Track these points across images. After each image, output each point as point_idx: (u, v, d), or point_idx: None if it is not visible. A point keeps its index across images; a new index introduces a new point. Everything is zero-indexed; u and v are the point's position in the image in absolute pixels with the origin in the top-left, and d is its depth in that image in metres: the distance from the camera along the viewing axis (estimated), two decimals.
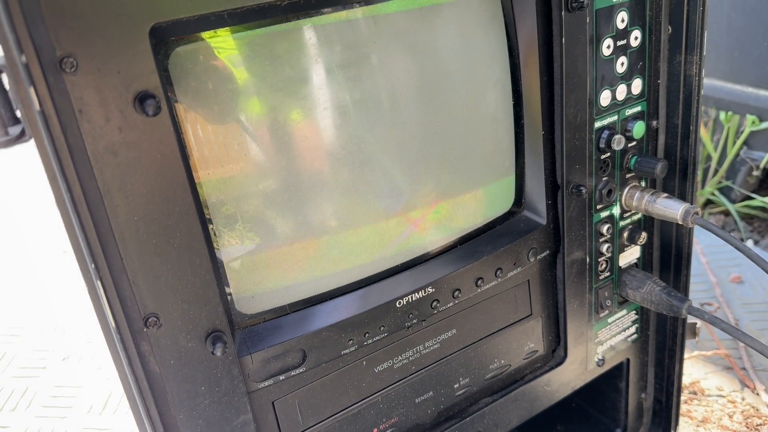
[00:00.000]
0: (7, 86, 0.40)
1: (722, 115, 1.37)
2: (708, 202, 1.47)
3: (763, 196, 1.42)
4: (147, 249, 0.44)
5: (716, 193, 1.44)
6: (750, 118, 1.33)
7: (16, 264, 1.54)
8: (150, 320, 0.46)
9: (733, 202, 1.43)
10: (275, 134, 0.51)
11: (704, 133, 1.42)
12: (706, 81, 1.43)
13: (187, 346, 0.48)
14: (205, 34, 0.45)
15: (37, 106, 0.37)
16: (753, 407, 1.03)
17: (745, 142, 1.37)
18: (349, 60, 0.52)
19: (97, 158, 0.41)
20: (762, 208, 1.41)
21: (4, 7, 0.35)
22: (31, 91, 0.36)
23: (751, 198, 1.41)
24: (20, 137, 0.40)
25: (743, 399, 1.05)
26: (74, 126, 0.39)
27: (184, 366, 0.48)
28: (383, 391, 0.63)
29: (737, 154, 1.38)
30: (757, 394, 1.05)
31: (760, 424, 1.00)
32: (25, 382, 1.17)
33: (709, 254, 1.34)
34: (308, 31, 0.49)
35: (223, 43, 0.46)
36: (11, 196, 1.90)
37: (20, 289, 1.44)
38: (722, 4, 1.31)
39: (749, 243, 1.41)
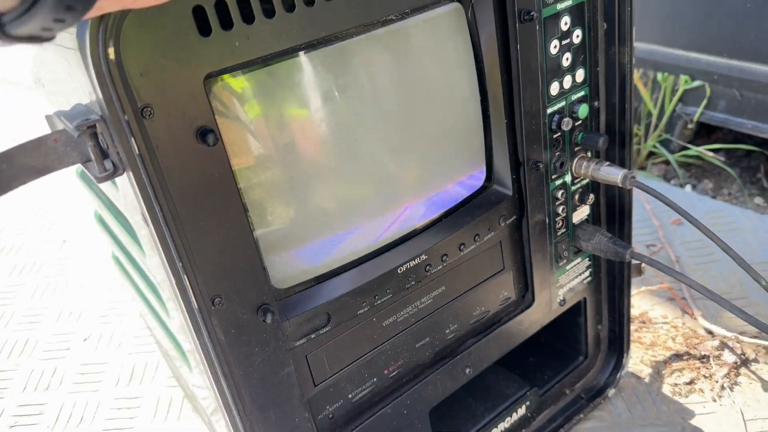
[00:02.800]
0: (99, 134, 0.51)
1: (659, 76, 1.53)
2: (651, 154, 1.64)
3: (698, 146, 1.59)
4: (212, 247, 0.57)
5: (657, 145, 1.61)
6: (683, 77, 1.49)
7: (23, 255, 1.63)
8: (216, 300, 0.59)
9: (672, 152, 1.60)
10: (293, 140, 0.63)
11: (644, 93, 1.57)
12: (645, 45, 1.58)
13: (243, 318, 0.61)
14: (237, 73, 0.57)
15: (136, 151, 0.48)
16: (692, 330, 1.22)
17: (680, 99, 1.53)
18: (346, 78, 0.64)
19: (173, 181, 0.53)
20: (697, 157, 1.59)
21: (108, 79, 0.46)
22: (132, 140, 0.48)
23: (687, 148, 1.59)
24: (115, 172, 0.51)
25: (684, 324, 1.24)
26: (155, 159, 0.51)
27: (241, 333, 0.62)
28: (390, 340, 0.78)
29: (674, 110, 1.55)
30: (695, 319, 1.24)
31: (698, 343, 1.19)
32: (52, 363, 1.28)
33: (652, 201, 1.52)
34: (312, 59, 0.61)
35: (250, 78, 0.58)
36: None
37: (31, 278, 1.54)
38: None
39: (687, 187, 1.60)
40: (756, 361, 1.13)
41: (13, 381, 1.25)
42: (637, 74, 1.57)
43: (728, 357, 1.14)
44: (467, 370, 0.87)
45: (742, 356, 1.14)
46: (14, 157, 0.51)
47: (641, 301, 1.29)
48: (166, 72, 0.50)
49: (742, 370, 1.12)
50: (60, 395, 1.21)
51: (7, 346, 1.34)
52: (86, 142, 0.50)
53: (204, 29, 0.52)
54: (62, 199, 1.86)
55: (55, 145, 0.51)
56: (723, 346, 1.16)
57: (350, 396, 0.77)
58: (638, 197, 1.51)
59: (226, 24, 0.53)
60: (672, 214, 1.48)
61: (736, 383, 1.10)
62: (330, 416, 0.75)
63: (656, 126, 1.59)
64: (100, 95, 0.48)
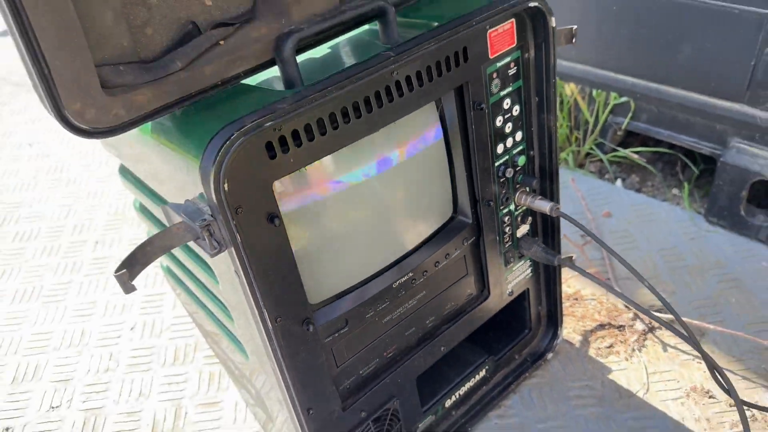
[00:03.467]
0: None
1: (594, 92, 1.84)
2: (588, 154, 1.97)
3: (626, 148, 1.93)
4: (276, 287, 0.87)
5: (593, 147, 1.94)
6: (613, 94, 1.81)
7: (62, 256, 1.90)
8: (278, 319, 0.89)
9: (605, 153, 1.93)
10: (329, 221, 0.93)
11: (583, 105, 1.89)
12: (583, 67, 1.88)
13: (293, 329, 0.92)
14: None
15: (239, 240, 0.78)
16: (613, 305, 1.57)
17: (611, 111, 1.85)
18: (365, 175, 0.94)
19: (254, 250, 0.83)
20: (623, 157, 1.92)
21: (223, 197, 0.75)
22: (233, 228, 0.78)
23: (617, 150, 1.92)
24: (221, 249, 0.81)
25: (607, 299, 1.59)
26: (244, 237, 0.81)
27: (293, 338, 0.93)
28: (387, 332, 1.09)
29: (606, 120, 1.87)
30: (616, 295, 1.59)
31: (617, 315, 1.55)
32: (108, 349, 1.58)
33: (587, 197, 1.85)
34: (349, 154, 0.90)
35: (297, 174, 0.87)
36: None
37: (74, 277, 1.82)
38: (592, 10, 1.75)
39: (618, 182, 1.93)
40: (659, 329, 1.49)
41: (78, 365, 1.54)
42: (576, 90, 1.88)
43: (639, 326, 1.50)
44: (442, 348, 1.20)
45: (649, 325, 1.50)
46: (154, 241, 0.80)
47: (576, 282, 1.63)
48: (250, 185, 0.80)
49: (649, 336, 1.48)
50: (119, 375, 1.51)
51: (66, 336, 1.63)
52: (202, 232, 0.79)
53: (272, 155, 0.81)
54: (89, 203, 2.12)
55: (178, 232, 0.81)
56: (635, 317, 1.52)
57: (361, 372, 1.09)
58: (576, 195, 1.85)
59: (285, 149, 0.82)
60: (603, 209, 1.82)
61: (643, 346, 1.46)
62: (348, 387, 1.08)
63: (592, 132, 1.91)
64: (215, 203, 0.77)
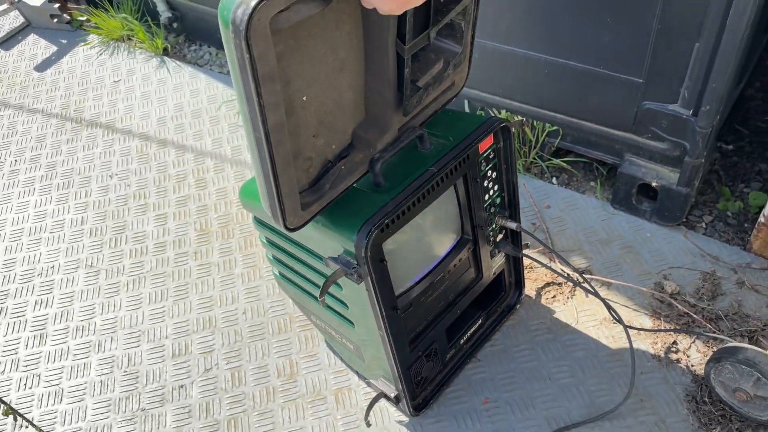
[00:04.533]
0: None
1: (535, 122, 2.68)
2: (532, 162, 2.82)
3: (557, 158, 2.78)
4: (383, 293, 1.69)
5: (536, 158, 2.79)
6: (548, 124, 2.65)
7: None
8: (397, 308, 1.72)
9: (544, 161, 2.79)
10: (401, 249, 1.74)
11: (528, 130, 2.73)
12: (527, 106, 2.70)
13: (390, 312, 1.75)
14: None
15: (373, 275, 1.59)
16: (554, 271, 2.46)
17: (547, 134, 2.69)
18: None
19: (376, 277, 1.64)
20: (557, 164, 2.78)
21: (370, 259, 1.56)
22: (373, 274, 1.58)
23: (551, 159, 2.77)
24: (361, 280, 1.61)
25: (551, 267, 2.47)
26: (374, 276, 1.62)
27: (390, 317, 1.75)
28: (430, 305, 1.93)
29: (544, 140, 2.72)
30: (557, 263, 2.48)
31: (557, 276, 2.43)
32: (232, 328, 2.37)
33: (533, 195, 2.71)
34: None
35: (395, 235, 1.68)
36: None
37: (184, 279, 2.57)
38: (530, 67, 2.55)
39: (554, 180, 2.80)
40: (583, 283, 2.39)
41: (215, 340, 2.34)
42: (523, 119, 2.71)
43: (570, 282, 2.40)
44: (458, 311, 2.05)
45: (576, 281, 2.40)
46: (330, 278, 1.61)
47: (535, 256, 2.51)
48: (375, 247, 1.60)
49: (577, 288, 2.38)
50: (245, 344, 2.32)
51: (200, 322, 2.41)
52: (351, 273, 1.59)
53: (382, 230, 1.61)
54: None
55: (340, 273, 1.61)
56: (568, 276, 2.42)
57: (417, 329, 1.93)
58: (526, 194, 2.70)
59: (388, 226, 1.62)
60: (545, 202, 2.68)
61: (574, 294, 2.36)
62: (411, 338, 1.92)
63: (535, 147, 2.75)
64: (363, 259, 1.57)
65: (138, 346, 2.36)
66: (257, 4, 1.13)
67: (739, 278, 2.35)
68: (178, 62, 3.68)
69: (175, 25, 3.76)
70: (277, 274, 2.11)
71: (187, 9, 3.70)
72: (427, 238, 1.83)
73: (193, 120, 3.30)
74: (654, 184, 2.46)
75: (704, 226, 2.58)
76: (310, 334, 2.32)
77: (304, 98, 1.44)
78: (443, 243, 1.90)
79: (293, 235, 1.84)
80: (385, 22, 1.43)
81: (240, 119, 3.26)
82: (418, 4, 1.26)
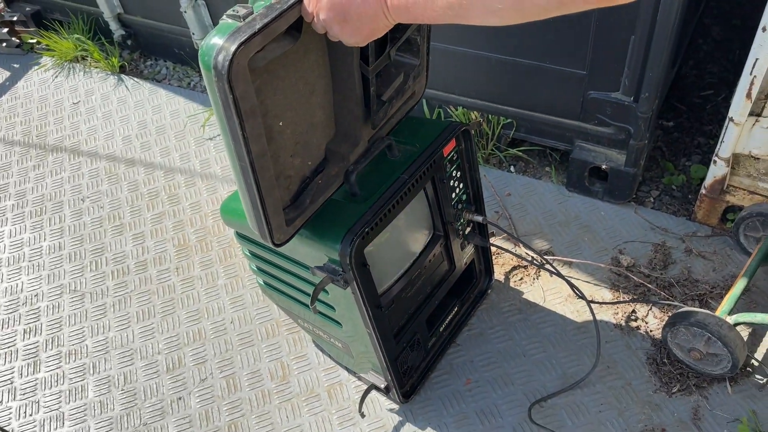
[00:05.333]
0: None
1: (490, 116, 2.84)
2: (491, 153, 2.99)
3: (514, 148, 2.95)
4: (368, 294, 1.83)
5: (494, 149, 2.96)
6: (502, 117, 2.82)
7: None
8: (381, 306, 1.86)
9: (501, 152, 2.96)
10: (382, 250, 1.88)
11: (485, 125, 2.89)
12: (482, 102, 2.86)
13: (375, 311, 1.89)
14: None
15: (358, 280, 1.72)
16: (520, 253, 2.63)
17: (502, 127, 2.86)
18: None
19: (361, 282, 1.77)
20: (513, 153, 2.95)
21: (349, 262, 1.69)
22: (358, 279, 1.71)
23: (509, 149, 2.94)
24: (347, 285, 1.74)
25: (516, 251, 2.65)
26: (360, 282, 1.75)
27: (375, 315, 1.89)
28: (411, 299, 2.08)
29: (500, 132, 2.88)
30: (521, 248, 2.65)
31: (522, 260, 2.61)
32: (222, 338, 2.48)
33: (494, 185, 2.88)
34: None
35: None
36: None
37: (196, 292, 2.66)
38: (489, 68, 2.70)
39: (512, 168, 2.97)
40: (546, 264, 2.57)
41: (206, 351, 2.44)
42: (478, 115, 2.87)
43: (535, 264, 2.58)
44: (436, 302, 2.20)
45: (540, 263, 2.58)
46: (319, 286, 1.74)
47: (500, 244, 2.68)
48: (357, 253, 1.73)
49: (542, 271, 2.56)
50: (236, 351, 2.42)
51: (190, 335, 2.50)
52: (338, 280, 1.72)
53: (363, 237, 1.75)
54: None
55: (327, 280, 1.74)
56: (533, 259, 2.60)
57: (400, 323, 2.08)
58: (488, 184, 2.87)
59: (368, 232, 1.76)
60: (506, 190, 2.86)
61: (539, 275, 2.54)
62: (395, 331, 2.07)
63: (492, 139, 2.92)
64: (348, 265, 1.70)
65: (132, 364, 2.45)
66: (236, 50, 1.24)
67: (687, 246, 2.56)
68: (136, 79, 3.71)
69: (129, 42, 3.79)
70: (262, 283, 2.22)
71: (140, 26, 3.73)
72: (404, 238, 1.97)
73: (158, 137, 3.36)
74: (604, 167, 2.65)
75: (652, 201, 2.79)
76: (298, 336, 2.45)
77: (281, 123, 1.55)
78: (418, 241, 2.05)
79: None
80: (348, 48, 1.55)
81: (205, 133, 3.33)
82: (380, 36, 1.38)
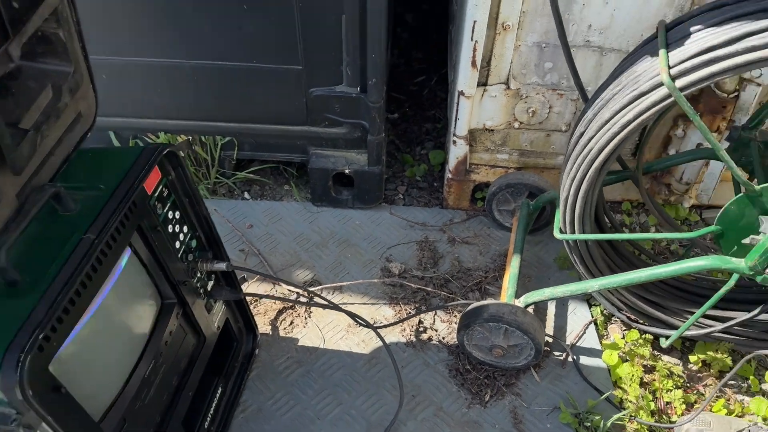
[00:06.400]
0: None
1: (203, 138, 2.31)
2: (216, 182, 2.45)
3: (241, 171, 2.46)
4: (75, 428, 1.17)
5: (218, 176, 2.42)
6: (218, 137, 2.30)
7: None
8: None
9: (228, 178, 2.44)
10: (84, 353, 1.23)
11: (199, 149, 2.34)
12: (194, 122, 2.30)
13: None
14: None
15: (50, 418, 1.06)
16: (282, 292, 2.16)
17: (222, 148, 2.35)
18: None
19: (57, 418, 1.11)
20: (243, 177, 2.46)
21: (26, 401, 1.02)
22: (48, 417, 1.05)
23: (236, 174, 2.44)
24: None
25: (276, 290, 2.17)
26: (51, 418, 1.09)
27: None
28: (153, 405, 1.46)
29: (220, 155, 2.36)
30: (282, 286, 2.18)
31: (286, 297, 2.14)
32: None
33: (230, 218, 2.36)
34: None
35: None
36: None
37: None
38: (194, 80, 2.15)
39: (246, 194, 2.48)
40: (316, 295, 2.14)
41: None
42: (189, 138, 2.32)
43: (302, 299, 2.13)
44: (190, 393, 1.61)
45: (309, 297, 2.14)
46: None
47: (251, 289, 2.16)
48: (39, 378, 1.07)
49: (312, 307, 2.12)
50: None
51: None
52: (15, 429, 1.04)
53: (40, 350, 1.09)
54: None
55: None
56: (299, 294, 2.14)
57: None
58: (221, 220, 2.34)
59: (47, 340, 1.10)
60: (246, 222, 2.36)
61: (311, 312, 2.10)
62: None
63: (213, 165, 2.39)
64: (26, 407, 1.03)
65: None
66: None
67: (449, 236, 2.37)
68: None
69: None
70: None
71: None
72: (118, 322, 1.35)
73: None
74: (347, 171, 2.33)
75: (402, 198, 2.57)
76: None
77: None
78: (143, 319, 1.44)
79: None
80: None
81: None
82: None
